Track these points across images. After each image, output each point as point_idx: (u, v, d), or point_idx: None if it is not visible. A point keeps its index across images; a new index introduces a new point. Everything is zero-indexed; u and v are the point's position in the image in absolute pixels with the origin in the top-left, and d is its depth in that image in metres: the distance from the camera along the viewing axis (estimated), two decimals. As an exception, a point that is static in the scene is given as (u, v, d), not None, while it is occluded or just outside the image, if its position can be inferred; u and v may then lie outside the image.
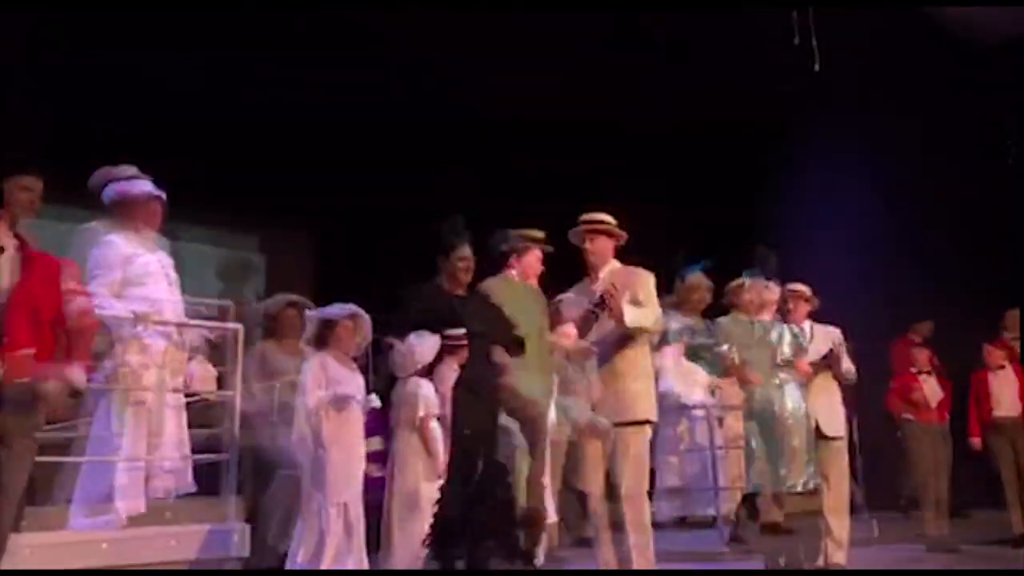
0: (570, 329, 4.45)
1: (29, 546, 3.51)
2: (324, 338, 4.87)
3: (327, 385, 4.66)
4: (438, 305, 4.23)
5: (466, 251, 4.32)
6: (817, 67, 6.64)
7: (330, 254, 9.77)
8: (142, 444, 4.02)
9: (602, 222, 4.53)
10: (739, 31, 7.87)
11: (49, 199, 3.54)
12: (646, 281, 4.43)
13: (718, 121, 9.09)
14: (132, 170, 4.41)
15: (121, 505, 3.87)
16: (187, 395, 4.39)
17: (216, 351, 4.70)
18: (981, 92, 7.57)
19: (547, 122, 8.89)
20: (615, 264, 4.51)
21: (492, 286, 4.61)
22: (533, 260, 4.77)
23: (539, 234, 4.84)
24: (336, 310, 5.04)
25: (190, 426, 4.34)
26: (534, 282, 4.81)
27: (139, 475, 3.99)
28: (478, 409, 4.05)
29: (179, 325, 4.27)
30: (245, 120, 8.59)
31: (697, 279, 5.71)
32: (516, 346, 4.25)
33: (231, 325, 4.46)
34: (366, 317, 5.15)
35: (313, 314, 5.15)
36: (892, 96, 8.23)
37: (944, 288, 7.62)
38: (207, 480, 4.40)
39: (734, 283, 6.08)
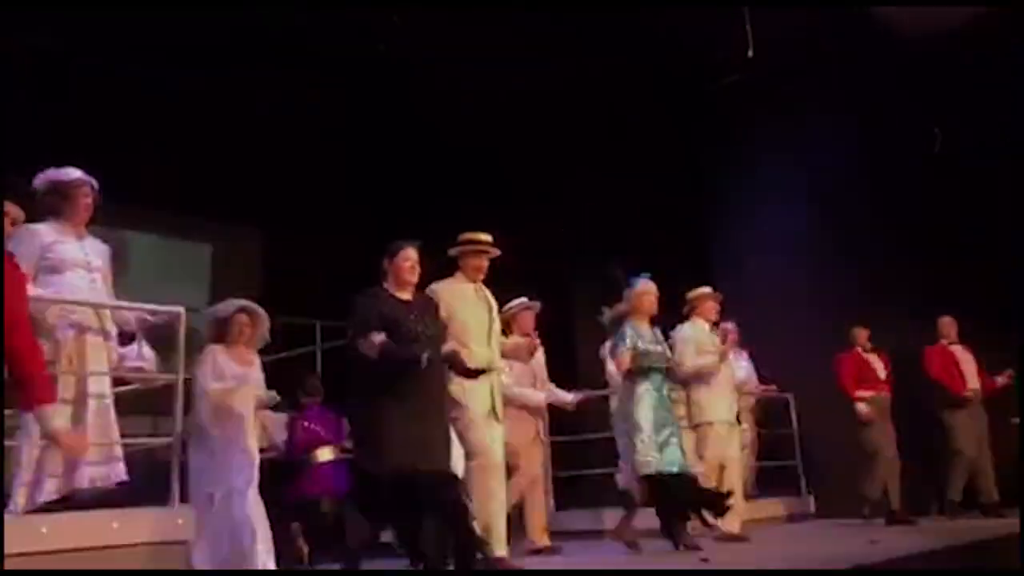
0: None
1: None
2: (220, 334, 5.07)
3: (217, 378, 4.84)
4: (383, 309, 4.27)
5: (411, 253, 4.44)
6: (751, 53, 6.77)
7: (280, 255, 9.79)
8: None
9: (490, 244, 5.00)
10: (672, 26, 8.01)
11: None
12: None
13: (652, 121, 9.27)
14: (75, 171, 4.39)
15: (19, 498, 3.89)
16: (123, 380, 4.37)
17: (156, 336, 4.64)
18: (912, 86, 7.75)
19: (498, 122, 9.01)
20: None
21: (441, 289, 4.80)
22: (479, 263, 4.95)
23: (485, 237, 4.99)
24: (225, 305, 5.17)
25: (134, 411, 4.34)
26: (480, 285, 5.00)
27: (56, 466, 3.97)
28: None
29: (95, 306, 4.26)
30: (202, 119, 8.65)
31: (647, 285, 5.79)
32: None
33: (173, 308, 4.42)
34: (260, 311, 5.25)
35: (208, 311, 5.28)
36: (826, 94, 8.44)
37: (882, 291, 7.80)
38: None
39: (698, 291, 6.26)
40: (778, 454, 7.92)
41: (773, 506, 7.67)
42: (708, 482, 5.87)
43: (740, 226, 8.99)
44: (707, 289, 6.42)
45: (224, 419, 4.92)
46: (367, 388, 4.19)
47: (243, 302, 5.41)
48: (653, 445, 5.47)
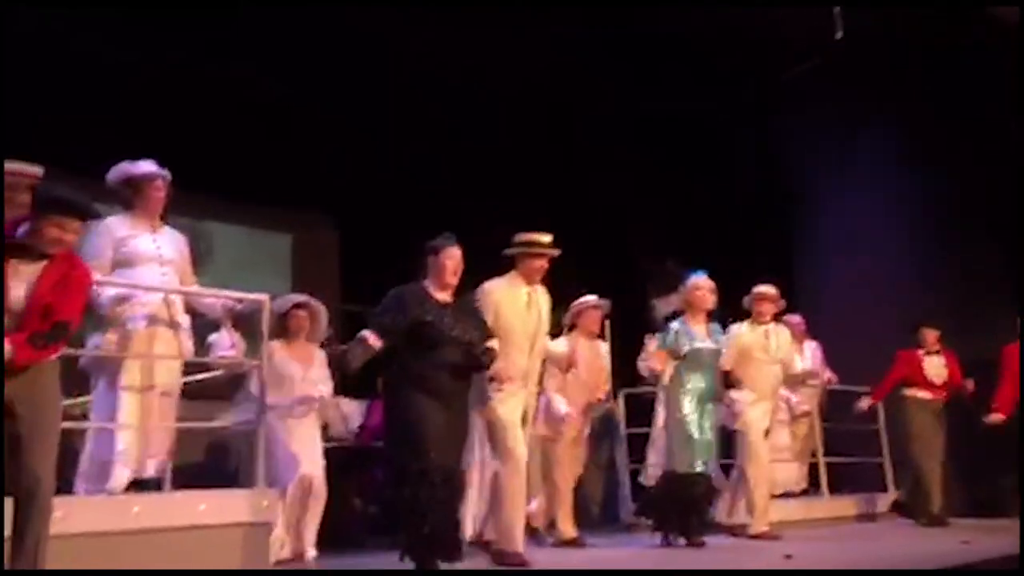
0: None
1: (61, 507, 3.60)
2: (278, 331, 5.17)
3: (274, 380, 4.95)
4: (415, 309, 4.30)
5: (454, 252, 4.44)
6: (839, 35, 6.61)
7: (358, 245, 9.93)
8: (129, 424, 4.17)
9: (550, 246, 4.94)
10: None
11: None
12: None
13: (729, 111, 9.10)
14: (147, 164, 4.51)
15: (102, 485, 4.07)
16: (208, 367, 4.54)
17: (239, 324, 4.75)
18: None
19: (566, 114, 9.00)
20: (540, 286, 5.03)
21: (492, 290, 4.82)
22: (538, 265, 4.91)
23: (545, 238, 4.95)
24: (282, 301, 5.27)
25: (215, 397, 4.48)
26: (535, 288, 4.96)
27: (124, 454, 4.14)
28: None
29: (181, 292, 4.43)
30: (282, 112, 8.82)
31: (700, 280, 5.74)
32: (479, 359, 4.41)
33: (258, 296, 4.53)
34: (317, 305, 5.35)
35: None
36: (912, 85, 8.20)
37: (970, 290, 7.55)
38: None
39: (757, 289, 6.17)
40: (859, 450, 7.73)
41: (846, 504, 7.50)
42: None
43: (824, 220, 8.78)
44: (766, 288, 6.26)
45: (279, 417, 5.02)
46: (401, 383, 4.27)
47: (300, 297, 5.50)
48: (690, 441, 5.46)
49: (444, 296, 4.45)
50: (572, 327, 6.07)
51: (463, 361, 4.36)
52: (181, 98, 8.26)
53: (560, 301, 5.63)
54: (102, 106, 7.76)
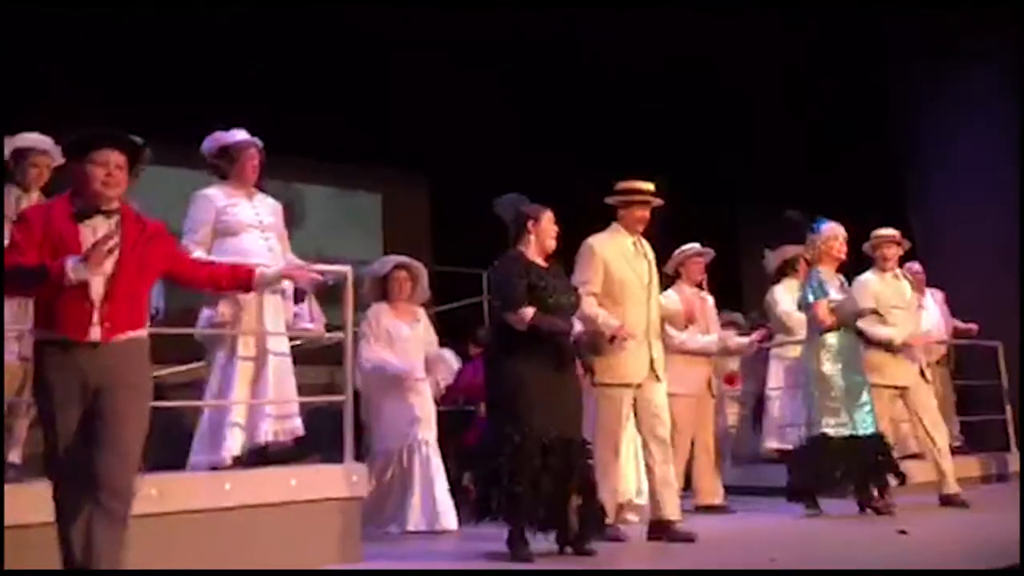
0: None
1: (155, 485, 3.58)
2: (381, 293, 5.19)
3: (382, 336, 5.02)
4: (530, 278, 4.12)
5: (551, 216, 4.27)
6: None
7: (448, 204, 9.80)
8: (241, 392, 4.12)
9: (652, 194, 4.63)
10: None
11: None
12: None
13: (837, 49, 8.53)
14: (241, 133, 4.43)
15: (218, 451, 4.05)
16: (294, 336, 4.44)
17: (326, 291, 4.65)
18: None
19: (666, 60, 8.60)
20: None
21: (598, 244, 4.58)
22: (641, 214, 4.62)
23: (647, 186, 4.65)
24: (381, 263, 5.19)
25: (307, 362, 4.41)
26: (639, 239, 4.68)
27: (238, 420, 4.10)
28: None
29: None
30: (372, 70, 8.70)
31: (835, 229, 5.35)
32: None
33: (339, 268, 4.41)
34: (417, 265, 5.22)
35: (367, 271, 5.31)
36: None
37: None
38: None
39: (878, 233, 5.72)
40: (983, 407, 7.24)
41: (970, 465, 7.05)
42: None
43: (940, 164, 8.17)
44: (888, 231, 5.80)
45: (388, 382, 4.98)
46: (509, 354, 4.09)
47: (400, 258, 5.41)
48: (843, 405, 5.11)
49: (543, 262, 4.29)
50: (675, 278, 5.80)
51: (569, 327, 4.21)
52: (269, 57, 8.25)
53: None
54: (189, 71, 7.80)
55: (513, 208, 4.31)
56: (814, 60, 8.51)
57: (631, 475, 4.77)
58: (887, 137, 8.62)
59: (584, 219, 4.63)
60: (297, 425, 4.25)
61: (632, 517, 4.81)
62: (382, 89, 9.10)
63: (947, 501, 5.54)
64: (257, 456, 4.17)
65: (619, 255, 4.57)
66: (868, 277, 5.71)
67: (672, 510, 4.47)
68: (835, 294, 5.24)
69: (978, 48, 7.90)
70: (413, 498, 5.03)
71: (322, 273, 4.45)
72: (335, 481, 4.07)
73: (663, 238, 5.23)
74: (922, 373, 5.64)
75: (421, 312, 5.39)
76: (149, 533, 3.38)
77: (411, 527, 4.99)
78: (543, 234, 4.25)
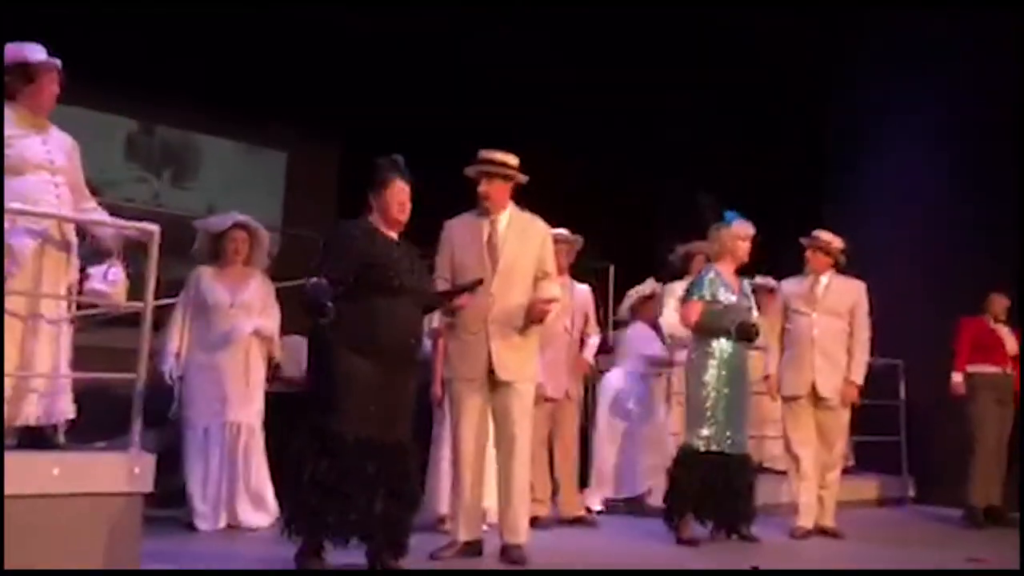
0: None
1: None
2: (213, 252, 4.75)
3: (197, 300, 4.65)
4: (369, 247, 3.63)
5: (402, 186, 3.74)
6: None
7: (360, 171, 9.20)
8: (8, 362, 3.44)
9: (500, 164, 4.10)
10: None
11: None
12: (546, 237, 4.21)
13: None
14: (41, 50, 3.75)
15: None
16: (87, 304, 3.84)
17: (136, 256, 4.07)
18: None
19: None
20: (513, 209, 4.19)
21: (451, 227, 4.17)
22: (494, 189, 4.11)
23: (500, 156, 4.15)
24: (221, 219, 4.75)
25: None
26: (498, 218, 4.15)
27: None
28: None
29: (64, 219, 3.66)
30: (283, 22, 8.08)
31: (743, 228, 4.89)
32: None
33: (146, 225, 3.81)
34: (260, 228, 4.86)
35: (201, 224, 4.81)
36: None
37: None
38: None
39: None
40: (879, 427, 6.90)
41: (868, 487, 6.74)
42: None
43: (858, 174, 7.77)
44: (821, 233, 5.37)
45: (207, 349, 4.51)
46: (331, 335, 3.54)
47: (240, 216, 4.92)
48: (718, 413, 4.67)
49: (394, 235, 3.78)
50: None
51: (415, 317, 3.74)
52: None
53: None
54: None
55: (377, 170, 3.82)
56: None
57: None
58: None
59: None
60: (67, 406, 3.63)
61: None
62: (298, 43, 8.47)
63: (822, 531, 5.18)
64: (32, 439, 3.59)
65: (463, 237, 4.13)
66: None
67: (512, 531, 4.02)
68: (725, 296, 4.78)
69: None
70: (213, 487, 4.59)
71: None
72: (109, 472, 3.51)
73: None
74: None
75: (256, 279, 4.87)
76: None
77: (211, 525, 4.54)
78: (385, 205, 3.74)
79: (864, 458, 6.91)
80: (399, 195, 3.73)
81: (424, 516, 4.37)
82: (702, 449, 4.68)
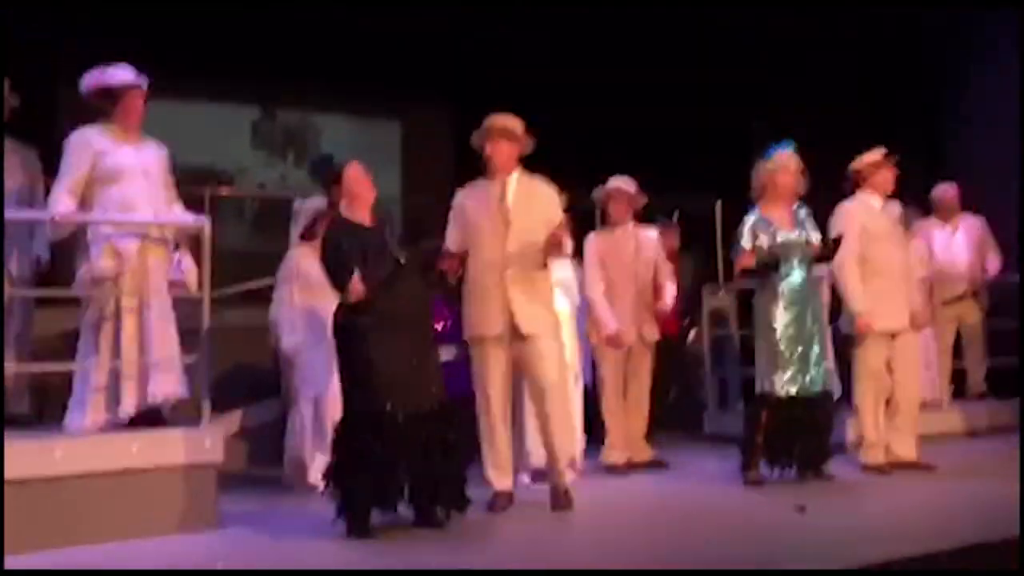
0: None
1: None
2: (312, 232, 4.84)
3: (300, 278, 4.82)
4: (360, 245, 3.79)
5: (358, 166, 3.95)
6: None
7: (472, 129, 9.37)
8: (123, 350, 3.93)
9: (505, 130, 4.15)
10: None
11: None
12: (552, 198, 4.27)
13: None
14: (126, 70, 4.13)
15: (81, 415, 3.89)
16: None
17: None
18: None
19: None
20: (518, 173, 4.26)
21: (462, 195, 4.29)
22: (500, 153, 4.19)
23: (503, 122, 4.21)
24: (313, 202, 4.94)
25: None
26: (507, 179, 4.21)
27: (113, 382, 3.94)
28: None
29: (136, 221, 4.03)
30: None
31: (784, 159, 4.67)
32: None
33: (199, 218, 4.15)
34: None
35: (303, 205, 5.01)
36: None
37: None
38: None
39: (866, 157, 4.98)
40: (1009, 349, 6.42)
41: (1003, 412, 6.30)
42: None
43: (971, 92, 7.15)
44: (877, 155, 4.98)
45: (319, 326, 4.71)
46: (353, 333, 3.76)
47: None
48: (791, 356, 4.54)
49: (365, 218, 3.93)
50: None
51: (420, 290, 3.91)
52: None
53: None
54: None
55: (314, 169, 3.99)
56: None
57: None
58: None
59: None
60: (174, 388, 4.02)
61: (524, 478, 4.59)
62: (397, 11, 8.68)
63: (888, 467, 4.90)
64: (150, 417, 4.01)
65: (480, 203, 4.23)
66: (850, 205, 4.98)
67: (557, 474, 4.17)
68: (777, 235, 4.61)
69: None
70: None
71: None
72: (182, 446, 3.89)
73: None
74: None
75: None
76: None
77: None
78: (350, 190, 3.90)
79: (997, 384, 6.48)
80: (363, 177, 3.90)
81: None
82: (780, 394, 4.55)
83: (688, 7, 8.08)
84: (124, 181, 4.04)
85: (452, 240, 4.24)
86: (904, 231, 5.79)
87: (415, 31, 8.85)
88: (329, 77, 9.06)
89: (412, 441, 3.70)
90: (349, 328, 3.77)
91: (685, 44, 8.34)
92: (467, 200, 4.26)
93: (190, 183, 8.41)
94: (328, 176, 3.99)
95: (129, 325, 3.98)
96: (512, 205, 4.16)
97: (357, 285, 3.70)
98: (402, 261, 3.82)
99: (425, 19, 8.76)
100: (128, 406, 3.96)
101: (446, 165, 9.52)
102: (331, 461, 3.77)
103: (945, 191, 6.49)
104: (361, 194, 3.89)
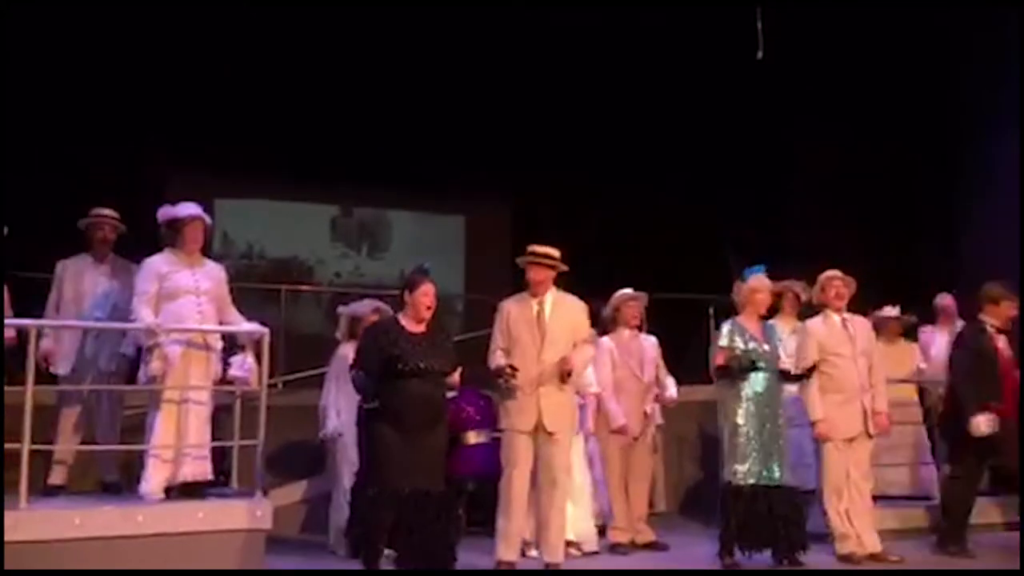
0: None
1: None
2: (353, 332, 5.60)
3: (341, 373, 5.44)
4: (385, 344, 4.58)
5: (429, 289, 4.73)
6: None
7: (533, 230, 10.22)
8: (167, 436, 4.86)
9: (546, 256, 5.04)
10: None
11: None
12: (581, 312, 5.13)
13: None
14: (190, 205, 5.13)
15: (147, 485, 4.80)
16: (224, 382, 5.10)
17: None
18: None
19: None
20: (554, 291, 5.10)
21: (505, 306, 5.12)
22: (539, 276, 5.04)
23: (543, 250, 5.07)
24: (358, 306, 5.64)
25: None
26: (543, 298, 5.06)
27: (165, 461, 4.85)
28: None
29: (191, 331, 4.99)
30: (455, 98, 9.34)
31: (759, 281, 5.41)
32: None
33: (258, 328, 5.08)
34: (386, 308, 5.66)
35: (344, 310, 5.80)
36: None
37: None
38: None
39: (826, 274, 5.66)
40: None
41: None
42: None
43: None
44: (835, 273, 5.64)
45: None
46: (372, 418, 4.62)
47: (376, 303, 5.94)
48: (751, 450, 5.18)
49: (418, 328, 4.73)
50: (614, 321, 6.09)
51: (432, 391, 4.66)
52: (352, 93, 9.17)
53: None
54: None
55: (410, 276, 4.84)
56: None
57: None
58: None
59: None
60: (207, 469, 4.96)
61: (533, 553, 5.29)
62: (467, 111, 9.65)
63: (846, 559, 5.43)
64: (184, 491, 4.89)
65: (516, 320, 5.04)
66: (812, 323, 5.66)
67: (550, 552, 4.87)
68: (747, 343, 5.29)
69: None
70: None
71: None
72: (238, 514, 4.77)
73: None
74: (865, 423, 5.51)
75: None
76: (66, 558, 4.28)
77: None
78: (416, 304, 4.71)
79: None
80: (425, 296, 4.69)
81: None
82: (741, 483, 5.17)
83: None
84: (180, 299, 4.97)
85: (498, 342, 5.04)
86: (895, 337, 6.38)
87: (479, 132, 9.83)
88: (401, 178, 10.10)
89: (415, 513, 4.48)
90: (369, 421, 4.65)
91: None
92: (511, 311, 5.07)
93: (276, 272, 9.74)
94: (405, 284, 4.82)
95: (167, 415, 4.87)
96: (548, 322, 5.00)
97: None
98: (422, 365, 4.58)
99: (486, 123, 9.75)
100: (156, 484, 4.80)
101: (504, 257, 10.47)
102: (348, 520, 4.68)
103: (943, 299, 7.05)
104: (420, 311, 4.69)
